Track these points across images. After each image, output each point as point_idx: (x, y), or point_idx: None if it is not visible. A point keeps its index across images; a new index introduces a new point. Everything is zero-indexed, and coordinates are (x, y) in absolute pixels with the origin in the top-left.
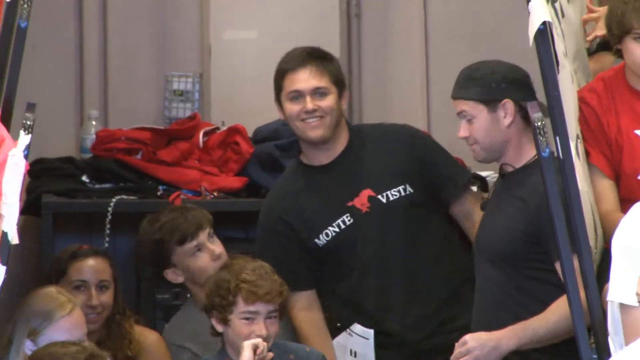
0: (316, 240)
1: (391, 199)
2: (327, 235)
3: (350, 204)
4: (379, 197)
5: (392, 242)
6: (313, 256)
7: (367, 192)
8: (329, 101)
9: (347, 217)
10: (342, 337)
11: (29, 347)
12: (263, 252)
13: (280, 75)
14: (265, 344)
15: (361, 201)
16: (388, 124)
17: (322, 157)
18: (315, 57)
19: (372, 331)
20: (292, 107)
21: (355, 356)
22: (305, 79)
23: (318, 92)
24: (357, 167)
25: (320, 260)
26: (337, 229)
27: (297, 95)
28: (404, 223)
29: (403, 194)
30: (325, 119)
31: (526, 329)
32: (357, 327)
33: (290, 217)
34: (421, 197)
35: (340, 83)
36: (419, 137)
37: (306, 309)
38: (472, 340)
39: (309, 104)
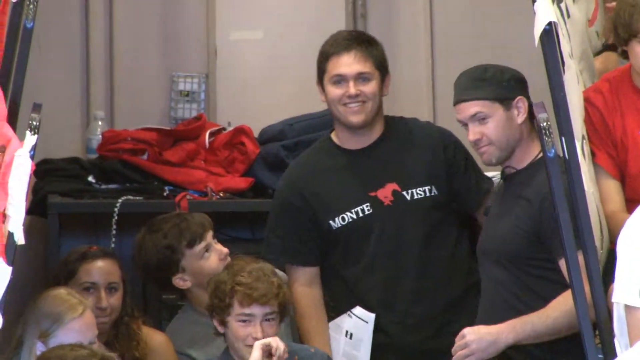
0: (331, 222)
1: (415, 197)
2: (343, 219)
3: (373, 194)
4: (404, 193)
5: (407, 240)
6: (324, 236)
7: (392, 186)
8: (371, 86)
9: (367, 206)
10: (339, 318)
11: (39, 348)
12: (275, 222)
13: (324, 58)
14: (283, 345)
15: (384, 193)
16: (425, 122)
17: (355, 142)
18: (359, 41)
19: (373, 315)
20: (334, 91)
21: (350, 338)
22: (349, 63)
23: (361, 77)
24: (387, 158)
25: (330, 242)
26: (354, 216)
27: (340, 80)
28: (422, 223)
29: (428, 194)
30: (367, 104)
31: (525, 324)
32: (357, 309)
33: (310, 194)
34: (443, 200)
35: (383, 68)
36: (454, 143)
37: (307, 285)
38: (471, 334)
39: (352, 88)
